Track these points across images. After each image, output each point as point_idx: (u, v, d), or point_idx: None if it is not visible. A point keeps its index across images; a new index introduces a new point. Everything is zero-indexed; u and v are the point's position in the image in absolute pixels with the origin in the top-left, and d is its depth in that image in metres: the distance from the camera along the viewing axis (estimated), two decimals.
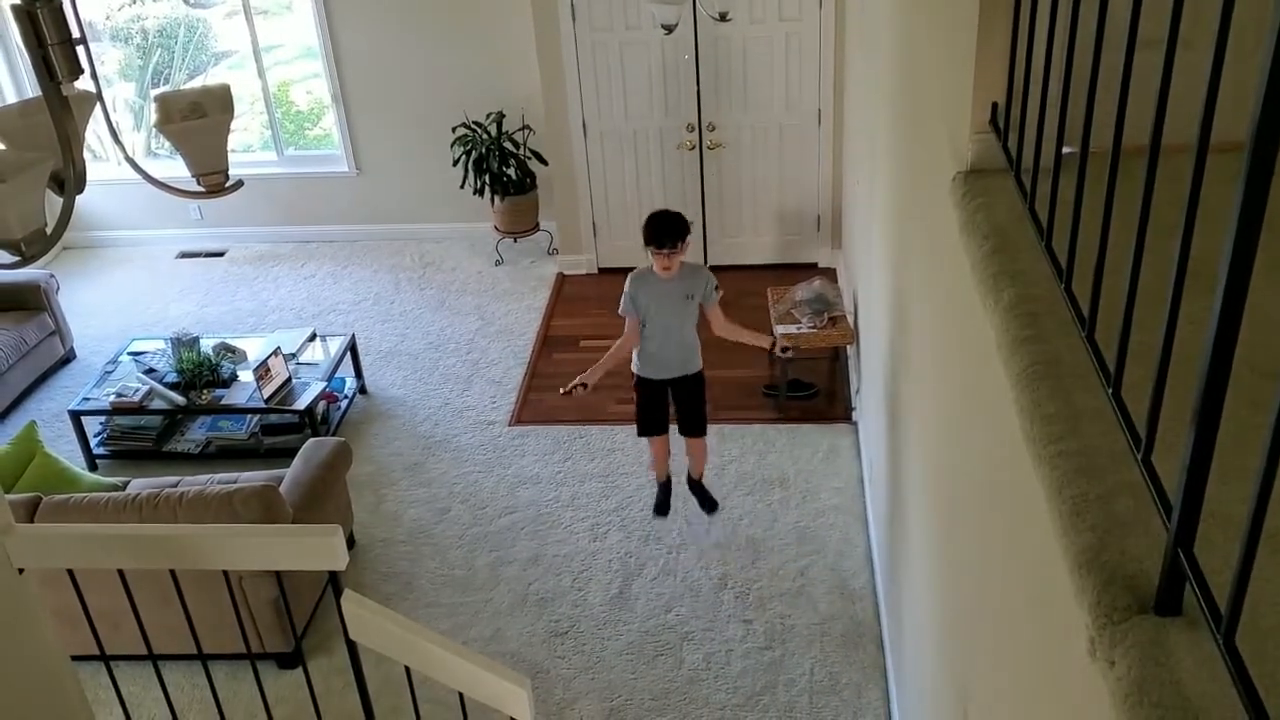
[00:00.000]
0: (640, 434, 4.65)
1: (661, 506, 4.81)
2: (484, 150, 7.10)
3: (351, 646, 2.80)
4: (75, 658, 2.96)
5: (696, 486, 4.88)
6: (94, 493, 4.23)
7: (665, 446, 4.70)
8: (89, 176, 2.16)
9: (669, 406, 4.58)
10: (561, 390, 4.34)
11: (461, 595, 4.71)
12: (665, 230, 4.15)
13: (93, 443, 5.72)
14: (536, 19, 6.55)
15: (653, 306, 4.30)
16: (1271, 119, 0.85)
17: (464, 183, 7.18)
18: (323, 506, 4.48)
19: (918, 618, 3.35)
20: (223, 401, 5.62)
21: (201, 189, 2.31)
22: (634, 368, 4.50)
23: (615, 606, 4.59)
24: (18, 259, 1.98)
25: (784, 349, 4.68)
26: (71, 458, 5.23)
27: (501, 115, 7.15)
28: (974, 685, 2.40)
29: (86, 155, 2.19)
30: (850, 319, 5.64)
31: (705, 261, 7.08)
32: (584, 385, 4.34)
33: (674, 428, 4.67)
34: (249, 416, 5.71)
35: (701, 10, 6.06)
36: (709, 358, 4.57)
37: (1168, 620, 1.13)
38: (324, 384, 5.74)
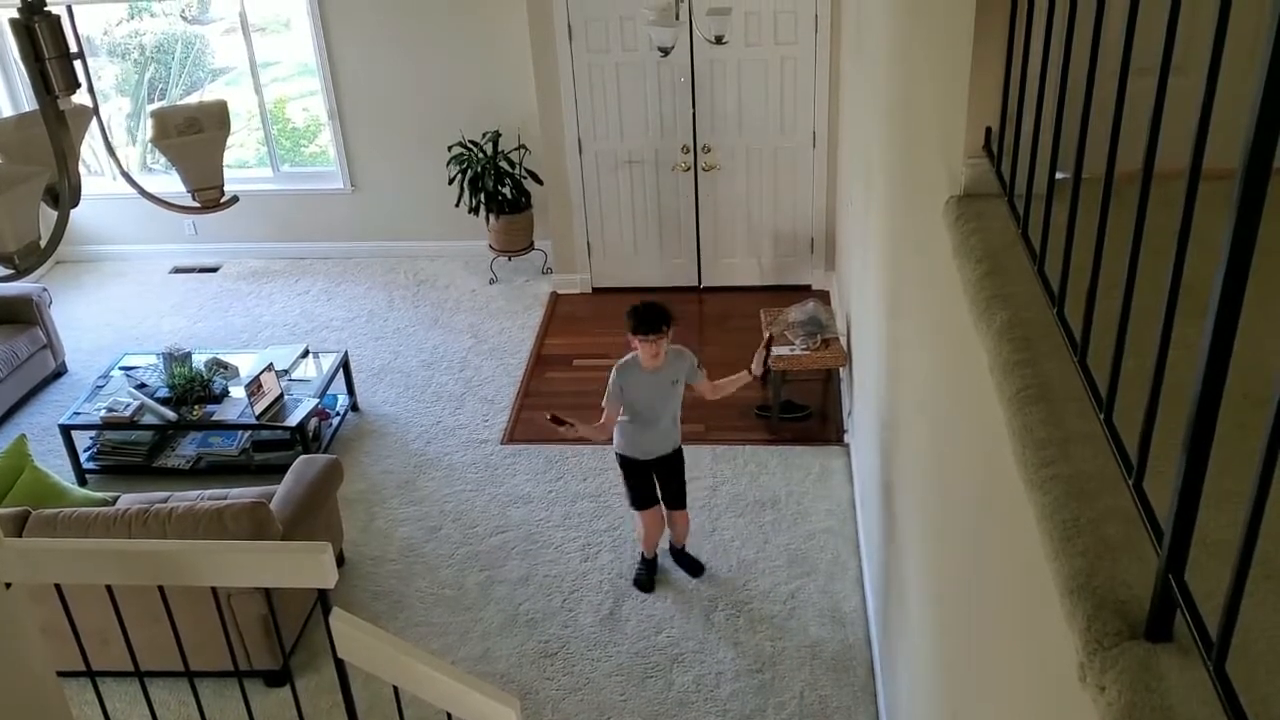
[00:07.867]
0: (637, 508, 4.64)
1: (646, 583, 4.75)
2: (479, 169, 7.12)
3: (340, 665, 2.79)
4: (61, 673, 2.94)
5: (680, 555, 4.88)
6: (83, 507, 4.20)
7: (658, 519, 4.68)
8: (84, 190, 2.16)
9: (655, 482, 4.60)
10: (549, 415, 4.33)
11: (451, 614, 4.69)
12: (651, 318, 4.20)
13: (83, 457, 5.69)
14: (534, 39, 6.59)
15: (640, 395, 4.35)
16: (1264, 145, 0.86)
17: (459, 201, 7.20)
18: (313, 524, 4.46)
19: (909, 641, 3.34)
20: (214, 417, 5.61)
21: (196, 204, 2.32)
22: (618, 448, 4.54)
23: (605, 627, 4.57)
24: (11, 272, 1.98)
25: (752, 367, 4.55)
26: (61, 472, 5.20)
27: (498, 134, 7.17)
28: (965, 710, 2.39)
29: (82, 169, 2.19)
30: (843, 341, 5.64)
31: (699, 283, 7.11)
32: (571, 424, 4.36)
33: None
34: (240, 432, 5.69)
35: (697, 33, 6.09)
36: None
37: (1158, 646, 1.13)
38: (316, 401, 5.72)
